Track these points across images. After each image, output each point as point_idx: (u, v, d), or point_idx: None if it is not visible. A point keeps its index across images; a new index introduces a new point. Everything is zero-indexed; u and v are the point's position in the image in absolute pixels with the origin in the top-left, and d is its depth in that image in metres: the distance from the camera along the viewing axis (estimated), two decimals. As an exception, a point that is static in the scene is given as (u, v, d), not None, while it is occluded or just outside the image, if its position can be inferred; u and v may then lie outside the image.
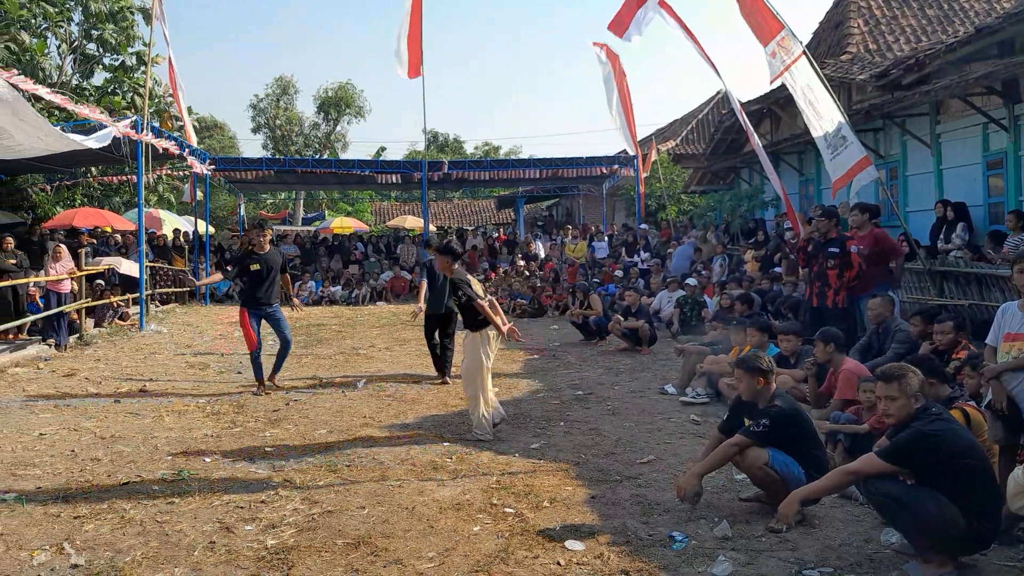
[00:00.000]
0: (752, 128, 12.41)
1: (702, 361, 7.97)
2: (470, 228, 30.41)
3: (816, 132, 9.55)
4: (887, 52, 14.79)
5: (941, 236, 10.62)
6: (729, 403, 7.05)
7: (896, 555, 3.89)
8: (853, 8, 16.09)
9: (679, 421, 6.87)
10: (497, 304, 6.75)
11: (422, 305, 9.19)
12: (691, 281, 12.45)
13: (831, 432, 5.42)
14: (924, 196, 12.31)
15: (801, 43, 9.56)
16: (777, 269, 12.14)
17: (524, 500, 4.77)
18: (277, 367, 8.61)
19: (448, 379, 8.75)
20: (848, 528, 4.28)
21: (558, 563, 3.87)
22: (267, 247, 8.50)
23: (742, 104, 14.17)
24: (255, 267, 8.32)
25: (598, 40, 19.40)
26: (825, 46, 16.91)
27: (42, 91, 9.22)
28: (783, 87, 10.66)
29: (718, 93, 27.60)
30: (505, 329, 6.45)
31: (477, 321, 6.42)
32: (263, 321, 8.37)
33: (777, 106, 16.08)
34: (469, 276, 6.65)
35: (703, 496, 4.61)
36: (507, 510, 4.60)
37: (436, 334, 9.07)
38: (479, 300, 6.37)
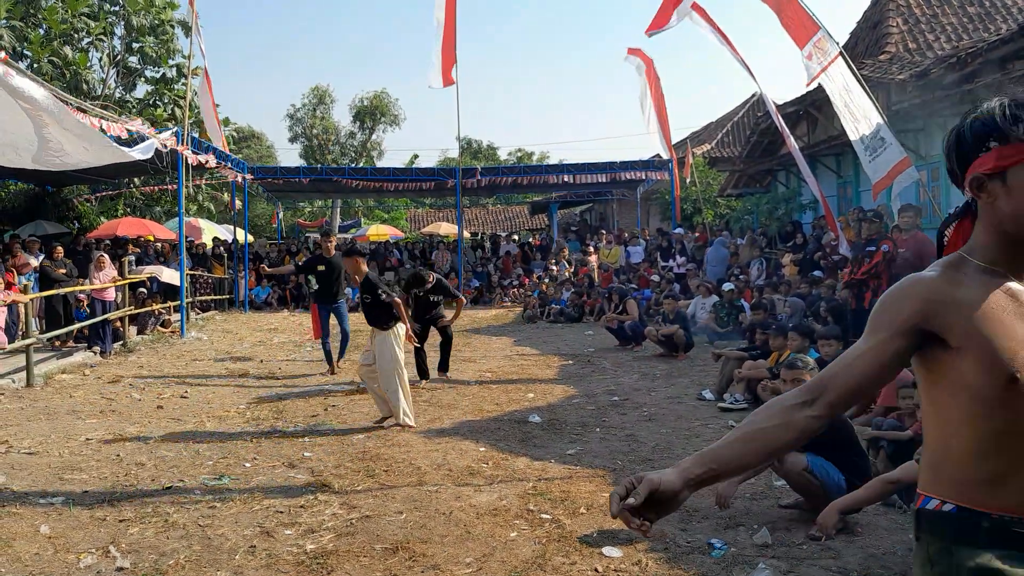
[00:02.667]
0: (788, 130, 12.25)
1: (740, 366, 7.89)
2: (503, 234, 30.49)
3: (853, 135, 9.42)
4: (927, 51, 14.52)
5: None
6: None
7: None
8: (892, 7, 15.83)
9: (717, 427, 6.81)
10: (402, 304, 7.27)
11: (414, 326, 8.71)
12: (728, 285, 12.33)
13: (873, 438, 5.33)
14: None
15: (838, 44, 9.44)
16: (817, 273, 11.97)
17: (561, 506, 4.77)
18: (340, 354, 10.14)
19: (447, 374, 9.18)
20: (892, 536, 4.20)
21: (596, 570, 3.85)
22: (332, 252, 9.89)
23: (778, 106, 14.02)
24: (321, 268, 9.78)
25: (632, 47, 19.35)
26: (863, 46, 16.66)
27: (71, 114, 9.35)
28: (819, 88, 10.53)
29: (753, 95, 27.33)
30: (411, 331, 7.18)
31: (385, 320, 6.95)
32: (330, 315, 9.93)
33: (814, 108, 15.86)
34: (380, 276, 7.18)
35: (742, 503, 4.57)
36: (544, 516, 4.59)
37: (424, 339, 9.06)
38: (397, 299, 6.96)
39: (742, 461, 1.57)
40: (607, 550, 4.07)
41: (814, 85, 10.22)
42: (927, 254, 8.43)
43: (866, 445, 5.13)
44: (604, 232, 22.44)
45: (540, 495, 4.99)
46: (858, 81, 9.22)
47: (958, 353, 1.48)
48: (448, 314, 9.50)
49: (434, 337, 9.41)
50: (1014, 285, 1.50)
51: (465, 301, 9.98)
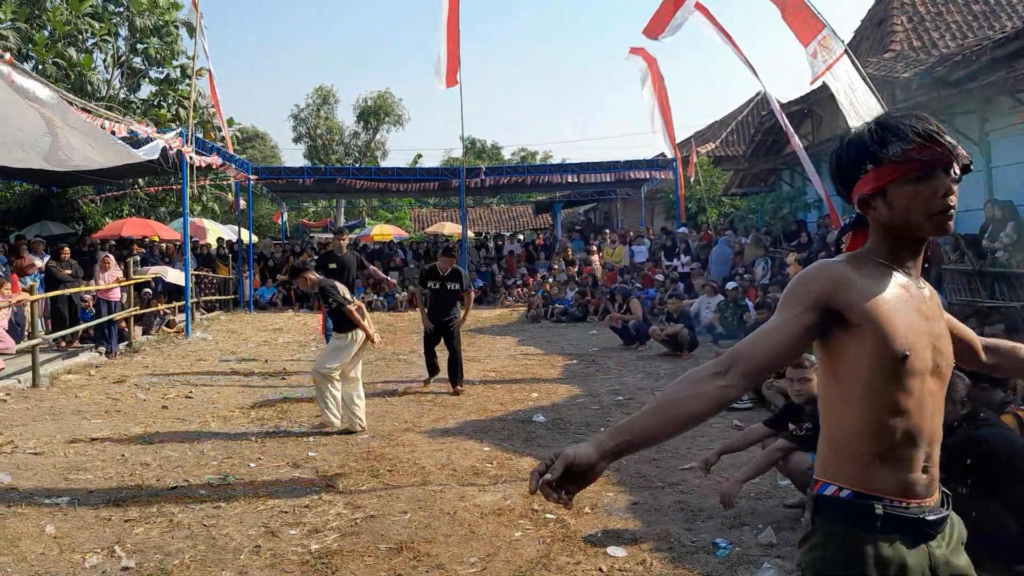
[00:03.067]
0: (793, 129, 12.23)
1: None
2: (507, 233, 30.49)
3: None
4: (932, 49, 14.48)
5: (987, 236, 10.35)
6: (772, 407, 6.98)
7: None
8: (896, 5, 15.78)
9: (721, 427, 6.79)
10: (364, 309, 7.20)
11: (430, 324, 8.73)
12: (732, 285, 12.32)
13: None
14: (972, 195, 12.01)
15: (843, 42, 9.42)
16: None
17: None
18: None
19: (460, 388, 8.51)
20: (897, 536, 4.19)
21: (600, 569, 3.85)
22: (344, 249, 9.94)
23: (782, 105, 13.99)
24: (332, 265, 9.73)
25: (635, 46, 19.30)
26: (868, 44, 16.61)
27: (77, 113, 9.38)
28: (823, 87, 10.50)
29: (757, 94, 27.29)
30: (374, 336, 7.01)
31: (345, 325, 6.91)
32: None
33: (818, 106, 15.82)
34: (336, 282, 7.17)
35: (747, 503, 4.56)
36: (548, 516, 4.59)
37: (436, 343, 8.82)
38: (348, 305, 6.84)
39: (656, 431, 1.62)
40: (611, 550, 4.07)
41: (818, 83, 10.20)
42: (933, 253, 8.42)
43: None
44: (608, 231, 22.43)
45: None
46: (863, 79, 9.20)
47: (856, 331, 1.61)
48: (461, 312, 8.94)
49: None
50: (903, 279, 1.68)
51: (475, 294, 9.78)
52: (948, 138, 1.64)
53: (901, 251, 1.70)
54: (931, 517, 1.64)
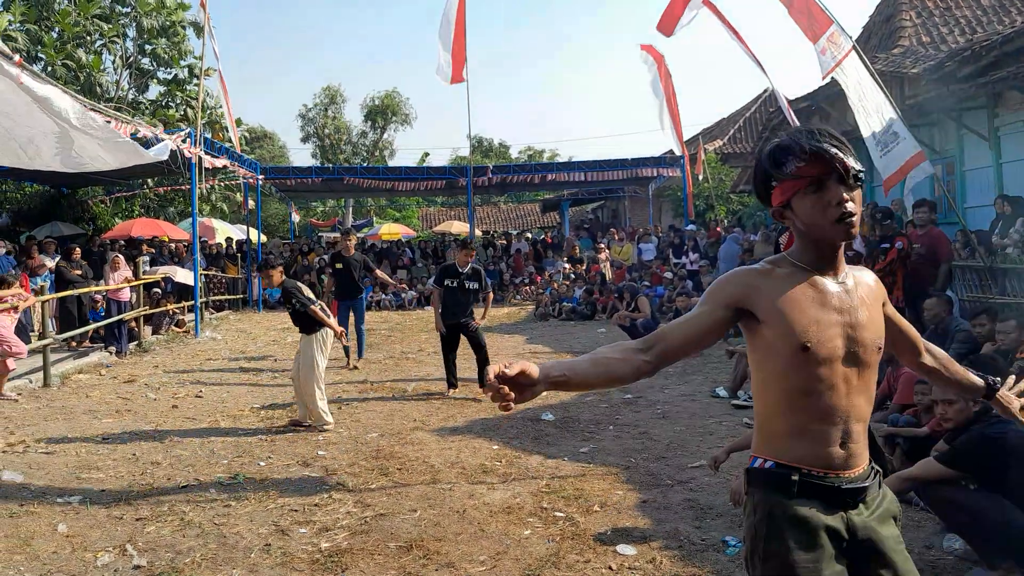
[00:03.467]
0: (800, 126, 12.17)
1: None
2: (515, 232, 30.48)
3: (865, 131, 9.35)
4: (941, 44, 14.40)
5: (997, 231, 10.30)
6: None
7: (959, 561, 3.79)
8: (905, 0, 15.71)
9: (731, 425, 6.78)
10: (327, 308, 7.32)
11: (443, 327, 8.31)
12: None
13: (889, 435, 5.29)
14: (982, 191, 11.95)
15: (851, 38, 9.37)
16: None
17: (574, 504, 4.76)
18: (359, 353, 10.45)
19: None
20: (908, 533, 4.16)
21: (610, 568, 3.85)
22: (352, 250, 10.20)
23: (790, 101, 13.93)
24: (339, 265, 10.15)
25: (644, 43, 19.26)
26: (876, 39, 16.54)
27: (87, 113, 9.41)
28: (831, 83, 10.46)
29: (765, 91, 27.19)
30: (339, 331, 7.13)
31: (308, 325, 6.98)
32: (350, 311, 10.23)
33: (827, 103, 15.76)
34: (299, 283, 7.21)
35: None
36: (557, 514, 4.59)
37: (455, 347, 8.37)
38: (312, 306, 6.91)
39: (588, 379, 1.89)
40: (621, 548, 4.07)
41: (827, 79, 10.15)
42: (942, 249, 8.38)
43: (882, 442, 5.10)
44: (615, 229, 22.39)
45: (553, 493, 4.99)
46: (871, 75, 9.15)
47: (765, 325, 1.86)
48: (478, 313, 8.60)
49: (464, 347, 8.48)
50: (818, 278, 1.88)
51: (493, 295, 9.25)
52: (835, 152, 1.81)
53: (817, 254, 1.90)
54: (847, 487, 1.84)
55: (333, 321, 7.09)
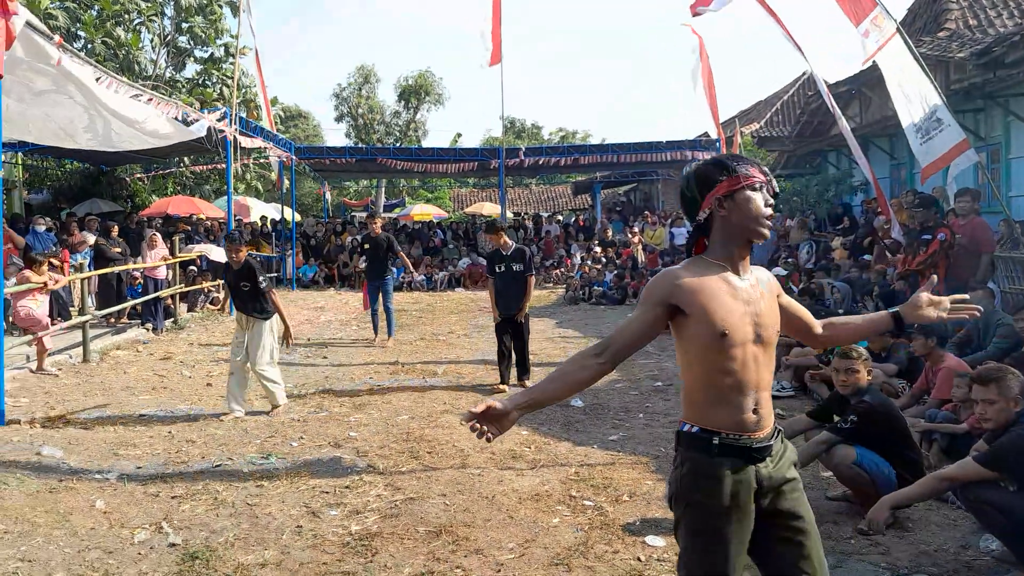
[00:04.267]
0: (840, 111, 11.93)
1: (787, 353, 7.77)
2: (546, 214, 30.37)
3: (905, 120, 9.13)
4: (988, 28, 13.98)
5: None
6: (815, 396, 6.87)
7: (996, 563, 3.72)
8: (952, -18, 15.25)
9: (762, 415, 6.71)
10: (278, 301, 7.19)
11: (497, 314, 8.01)
12: (779, 270, 12.12)
13: (926, 431, 5.20)
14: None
15: (895, 21, 9.13)
16: (867, 257, 11.69)
17: (603, 493, 4.76)
18: (388, 332, 10.77)
19: (527, 381, 7.91)
20: (944, 533, 4.10)
21: (638, 559, 3.84)
22: (378, 231, 10.61)
23: (829, 86, 13.64)
24: (367, 246, 10.67)
25: (687, 22, 18.98)
26: (921, 22, 16.11)
27: (121, 97, 9.49)
28: (872, 67, 10.21)
29: (803, 74, 26.67)
30: (291, 331, 6.97)
31: (262, 308, 6.83)
32: (378, 291, 10.63)
33: (867, 87, 15.42)
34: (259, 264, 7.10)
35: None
36: (586, 503, 4.59)
37: (507, 338, 7.96)
38: (274, 291, 6.91)
39: (555, 394, 2.31)
40: (650, 539, 4.06)
41: (869, 64, 9.92)
42: (984, 239, 8.17)
43: (919, 438, 5.02)
44: (648, 213, 22.20)
45: (582, 481, 4.98)
46: (916, 59, 8.91)
47: (690, 317, 2.23)
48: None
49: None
50: (729, 275, 2.27)
51: (536, 289, 8.91)
52: (769, 173, 2.32)
53: (731, 251, 2.29)
54: (757, 446, 2.23)
55: (284, 311, 6.94)
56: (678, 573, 2.31)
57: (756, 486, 2.22)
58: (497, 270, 8.03)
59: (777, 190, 2.32)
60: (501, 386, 7.86)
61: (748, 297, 2.26)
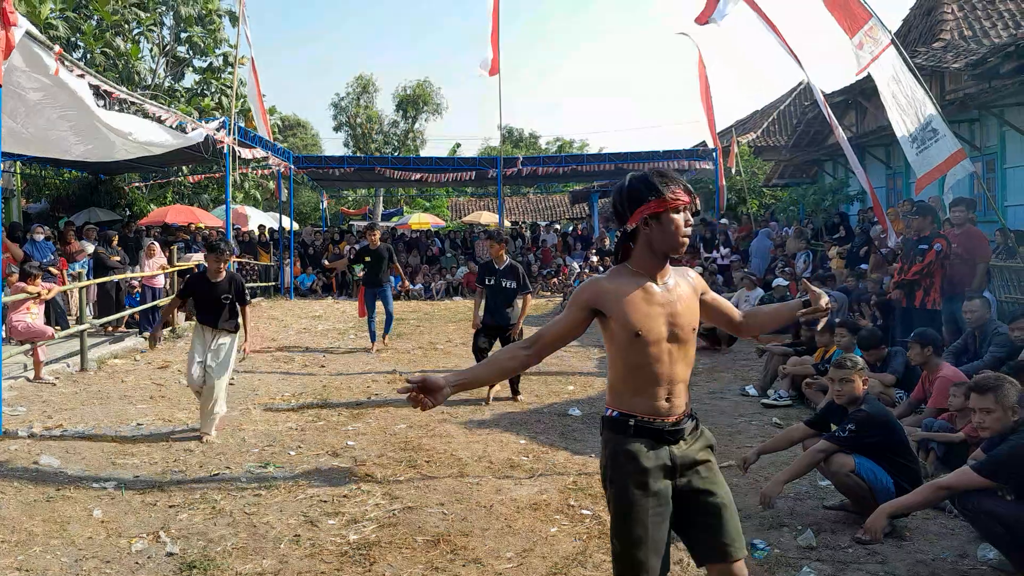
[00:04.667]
0: (836, 120, 11.99)
1: (785, 362, 7.78)
2: (543, 223, 30.41)
3: (899, 131, 9.17)
4: (983, 39, 14.08)
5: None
6: (812, 405, 6.88)
7: (994, 571, 3.73)
8: (947, -7, 15.36)
9: (760, 424, 6.73)
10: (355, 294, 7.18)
11: (477, 323, 7.89)
12: (780, 281, 12.14)
13: (923, 440, 5.21)
14: (1023, 190, 11.69)
15: (890, 32, 9.19)
16: (863, 266, 11.73)
17: (601, 502, 4.75)
18: (386, 330, 11.18)
19: (518, 398, 7.72)
20: (942, 542, 4.11)
21: (636, 568, 3.84)
22: (378, 243, 10.86)
23: (826, 95, 13.72)
24: (367, 258, 10.86)
25: (680, 32, 19.09)
26: (916, 33, 16.21)
27: (121, 93, 9.57)
28: (868, 77, 10.26)
29: (800, 84, 26.79)
30: (247, 345, 6.76)
31: (234, 322, 6.48)
32: (376, 298, 10.84)
33: (863, 97, 15.50)
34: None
35: (786, 503, 4.52)
36: (584, 512, 4.59)
37: (486, 351, 7.75)
38: (249, 305, 6.69)
39: (484, 377, 2.80)
40: (648, 548, 4.05)
41: (864, 75, 9.97)
42: (980, 249, 8.20)
43: (916, 447, 5.03)
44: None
45: (580, 490, 4.99)
46: (910, 70, 8.97)
47: (610, 319, 2.54)
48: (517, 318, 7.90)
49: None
50: (648, 283, 2.55)
51: (532, 299, 8.34)
52: (693, 192, 2.56)
53: (650, 263, 2.57)
54: (669, 428, 2.54)
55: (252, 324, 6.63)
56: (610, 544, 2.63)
57: (669, 463, 2.53)
58: (487, 282, 7.90)
59: (699, 208, 2.64)
60: (485, 406, 7.49)
61: (664, 301, 2.55)
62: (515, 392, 7.86)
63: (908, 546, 4.05)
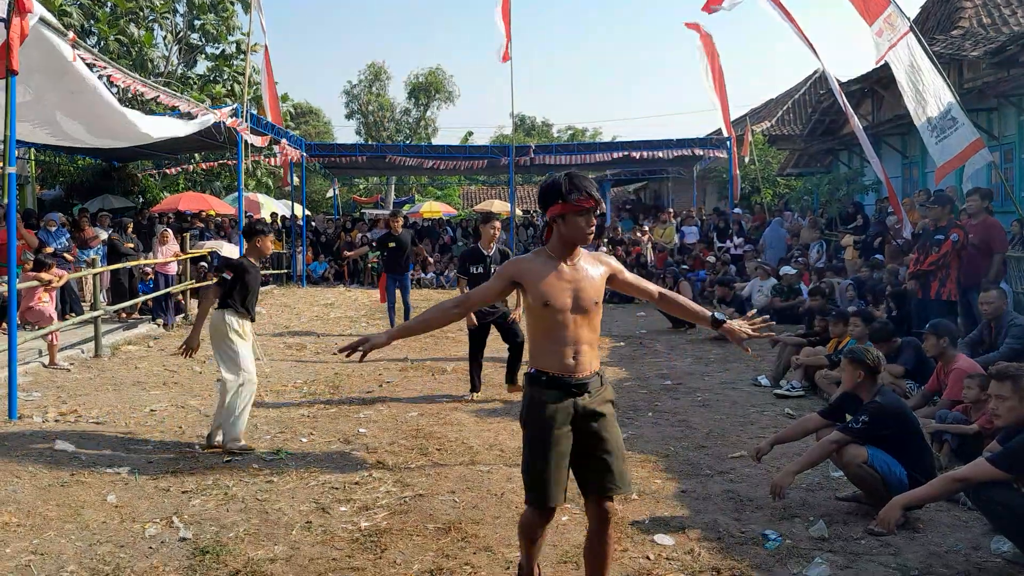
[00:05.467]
0: (852, 109, 11.87)
1: (798, 352, 7.74)
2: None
3: (918, 119, 9.07)
4: (1002, 27, 13.90)
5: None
6: (826, 396, 6.84)
7: (1008, 565, 3.70)
8: (966, -20, 15.15)
9: (773, 415, 6.70)
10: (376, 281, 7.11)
11: (473, 321, 7.08)
12: (788, 269, 12.07)
13: (937, 432, 5.17)
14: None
15: (908, 19, 9.08)
16: (879, 256, 11.63)
17: (612, 491, 4.74)
18: (405, 319, 10.80)
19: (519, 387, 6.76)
20: (955, 534, 4.08)
21: (647, 557, 3.84)
22: (400, 229, 10.89)
23: (841, 84, 13.58)
24: (391, 244, 10.81)
25: (690, 21, 18.94)
26: (934, 20, 16.03)
27: (131, 83, 9.54)
28: (885, 66, 10.15)
29: (815, 72, 26.54)
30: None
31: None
32: (396, 284, 11.03)
33: (879, 86, 15.33)
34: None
35: (798, 494, 4.49)
36: (595, 501, 4.58)
37: (483, 345, 7.42)
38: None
39: (418, 330, 3.52)
40: (659, 537, 4.05)
41: (882, 63, 9.86)
42: (997, 239, 8.11)
43: (930, 438, 4.99)
44: (664, 212, 22.04)
45: (592, 479, 4.97)
46: (929, 58, 8.86)
47: (527, 291, 3.11)
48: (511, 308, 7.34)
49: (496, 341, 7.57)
50: (560, 264, 3.10)
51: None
52: (598, 197, 3.09)
53: (562, 249, 3.12)
54: (574, 382, 3.06)
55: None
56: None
57: (573, 411, 3.05)
58: (473, 271, 7.20)
59: (604, 210, 3.27)
60: (472, 395, 7.33)
61: (571, 279, 3.08)
62: (511, 380, 7.35)
63: (921, 538, 4.03)
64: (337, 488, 4.84)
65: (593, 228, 3.08)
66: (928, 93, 8.95)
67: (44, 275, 8.47)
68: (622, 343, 10.67)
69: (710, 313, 3.43)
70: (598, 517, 3.12)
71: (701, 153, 20.88)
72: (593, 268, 3.16)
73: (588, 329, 3.08)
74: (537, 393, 3.08)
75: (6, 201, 6.95)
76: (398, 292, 11.15)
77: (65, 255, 11.61)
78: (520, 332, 7.25)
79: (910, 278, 8.25)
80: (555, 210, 3.06)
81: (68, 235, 12.61)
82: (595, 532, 3.16)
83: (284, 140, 16.93)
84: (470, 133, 48.81)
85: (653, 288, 3.40)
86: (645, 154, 21.12)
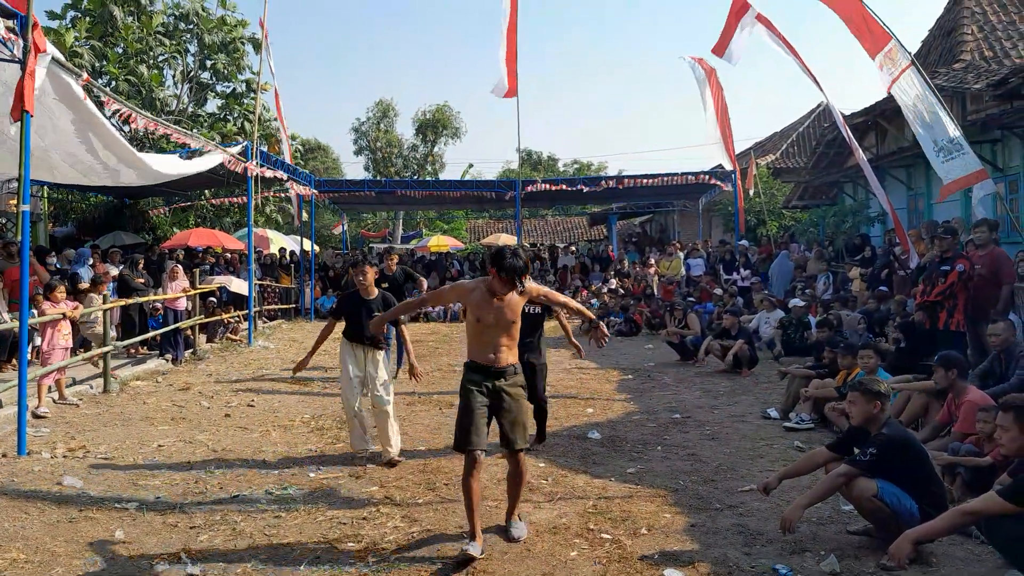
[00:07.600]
0: (856, 142, 11.95)
1: (807, 385, 7.71)
2: (561, 245, 30.46)
3: (924, 141, 9.11)
4: (1004, 59, 14.03)
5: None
6: (835, 429, 6.80)
7: (1022, 599, 3.65)
8: (967, 14, 15.34)
9: (782, 448, 6.66)
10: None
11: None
12: (797, 302, 12.06)
13: (949, 464, 5.13)
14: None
15: (909, 54, 9.18)
16: (883, 288, 11.62)
17: (621, 526, 4.72)
18: (398, 363, 10.29)
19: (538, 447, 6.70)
20: (968, 568, 4.03)
21: (657, 593, 3.80)
22: (394, 268, 10.41)
23: (845, 117, 13.68)
24: (384, 285, 10.25)
25: (694, 55, 19.16)
26: (936, 54, 16.18)
27: (141, 120, 9.72)
28: (889, 98, 10.24)
29: (819, 105, 26.76)
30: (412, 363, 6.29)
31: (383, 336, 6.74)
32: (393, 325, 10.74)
33: (883, 118, 15.45)
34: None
35: (809, 528, 4.45)
36: (604, 536, 4.56)
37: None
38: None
39: (390, 316, 5.49)
40: (669, 572, 4.02)
41: (885, 95, 9.95)
42: (1005, 270, 8.10)
43: (941, 471, 4.95)
44: (671, 244, 22.08)
45: (600, 514, 4.95)
46: (931, 91, 8.94)
47: (469, 310, 4.53)
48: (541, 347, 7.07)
49: None
50: (491, 297, 4.43)
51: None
52: (521, 269, 4.36)
53: (495, 287, 4.40)
54: (494, 370, 4.46)
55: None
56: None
57: (490, 387, 4.46)
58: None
59: (531, 272, 4.53)
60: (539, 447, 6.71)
61: (498, 305, 4.41)
62: (541, 438, 6.89)
63: (934, 572, 3.98)
64: (345, 523, 4.82)
65: (513, 288, 4.39)
66: (935, 119, 8.99)
67: (52, 310, 8.50)
68: (630, 375, 10.64)
69: (592, 315, 5.11)
70: (510, 461, 4.58)
71: (704, 181, 20.95)
72: (516, 296, 4.45)
73: (507, 336, 4.47)
74: (468, 374, 4.51)
75: (20, 238, 7.03)
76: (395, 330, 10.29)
77: (84, 285, 11.64)
78: (541, 378, 6.82)
79: (917, 309, 8.24)
80: (492, 271, 4.38)
81: (92, 263, 12.82)
82: (511, 472, 4.58)
83: (292, 179, 17.11)
84: (470, 165, 49.21)
85: (562, 298, 5.02)
86: (648, 181, 21.27)
